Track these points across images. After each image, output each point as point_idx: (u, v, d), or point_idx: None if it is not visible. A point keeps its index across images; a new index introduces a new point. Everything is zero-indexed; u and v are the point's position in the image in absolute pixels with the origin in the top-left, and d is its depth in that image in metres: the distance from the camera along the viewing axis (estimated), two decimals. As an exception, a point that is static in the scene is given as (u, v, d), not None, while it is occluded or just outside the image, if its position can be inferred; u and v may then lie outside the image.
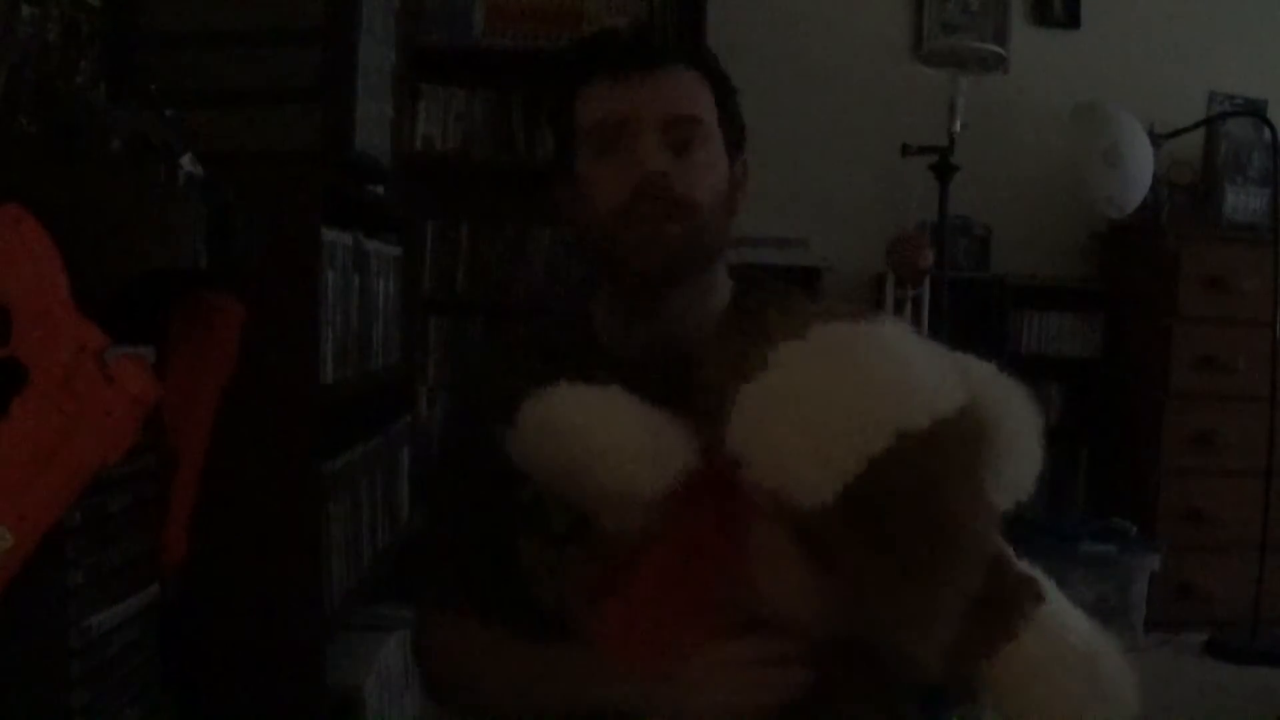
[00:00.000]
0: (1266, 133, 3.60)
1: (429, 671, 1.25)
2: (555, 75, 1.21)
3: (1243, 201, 3.73)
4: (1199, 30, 3.93)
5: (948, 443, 0.85)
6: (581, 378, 0.99)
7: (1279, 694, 3.02)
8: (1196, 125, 3.67)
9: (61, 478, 0.89)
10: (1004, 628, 0.90)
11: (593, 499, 0.95)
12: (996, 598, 0.89)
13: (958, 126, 3.22)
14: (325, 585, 1.52)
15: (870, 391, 0.86)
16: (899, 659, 0.87)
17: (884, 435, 0.84)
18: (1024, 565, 0.95)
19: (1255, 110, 3.80)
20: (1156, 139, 3.48)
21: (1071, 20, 3.95)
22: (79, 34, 1.17)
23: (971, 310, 3.54)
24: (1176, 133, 3.57)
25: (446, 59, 3.63)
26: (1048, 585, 0.94)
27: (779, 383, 0.88)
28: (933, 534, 0.84)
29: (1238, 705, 2.93)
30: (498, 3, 3.63)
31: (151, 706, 1.13)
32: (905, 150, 3.24)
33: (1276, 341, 3.45)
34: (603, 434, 0.92)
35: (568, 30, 3.63)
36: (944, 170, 3.24)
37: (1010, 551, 0.95)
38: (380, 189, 1.97)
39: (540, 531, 1.10)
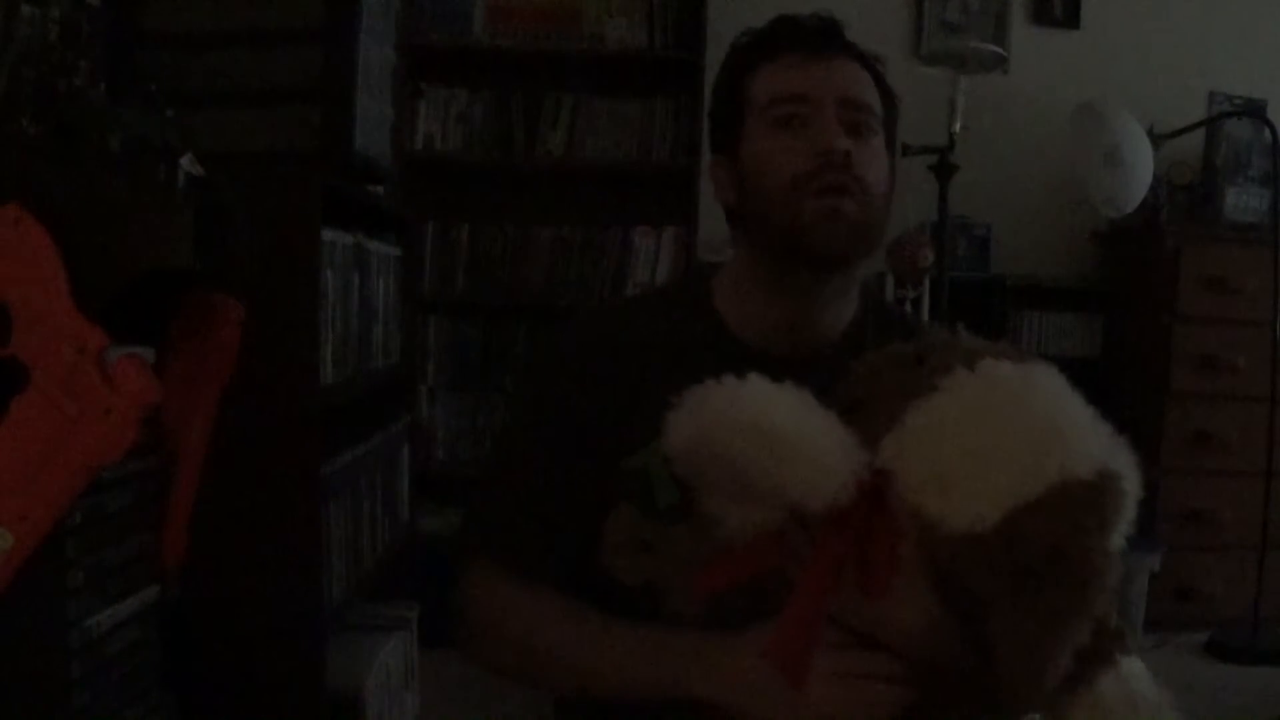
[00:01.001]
0: (1266, 133, 3.60)
1: (471, 623, 1.19)
2: (732, 50, 1.24)
3: (1243, 201, 3.73)
4: (1199, 30, 3.93)
5: (1099, 496, 0.87)
6: (707, 362, 0.98)
7: (1279, 694, 3.01)
8: (1196, 125, 3.66)
9: (61, 478, 0.89)
10: (1093, 671, 0.92)
11: (755, 497, 0.92)
12: (1093, 645, 0.91)
13: (958, 126, 3.22)
14: (325, 585, 1.52)
15: (1040, 433, 0.88)
16: (1006, 695, 0.88)
17: (1047, 478, 0.86)
18: (1117, 620, 0.97)
19: (1255, 110, 3.80)
20: (1156, 139, 3.48)
21: (1071, 20, 3.95)
22: (79, 34, 1.17)
23: (971, 310, 3.54)
24: (1176, 133, 3.57)
25: (446, 59, 3.63)
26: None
27: (949, 408, 0.90)
28: (1072, 583, 0.85)
29: (1238, 705, 2.93)
30: (498, 3, 3.63)
31: (151, 706, 1.13)
32: (905, 150, 3.24)
33: (1276, 341, 3.45)
34: (796, 444, 0.89)
35: (568, 30, 3.63)
36: (944, 170, 3.24)
37: (1112, 606, 0.96)
38: (380, 189, 1.97)
39: (640, 504, 1.05)
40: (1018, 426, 0.88)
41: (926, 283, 3.37)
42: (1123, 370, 3.78)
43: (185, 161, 1.09)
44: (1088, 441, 0.89)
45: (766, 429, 0.89)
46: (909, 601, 0.92)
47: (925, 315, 3.31)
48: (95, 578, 1.01)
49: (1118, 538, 0.90)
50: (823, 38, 1.18)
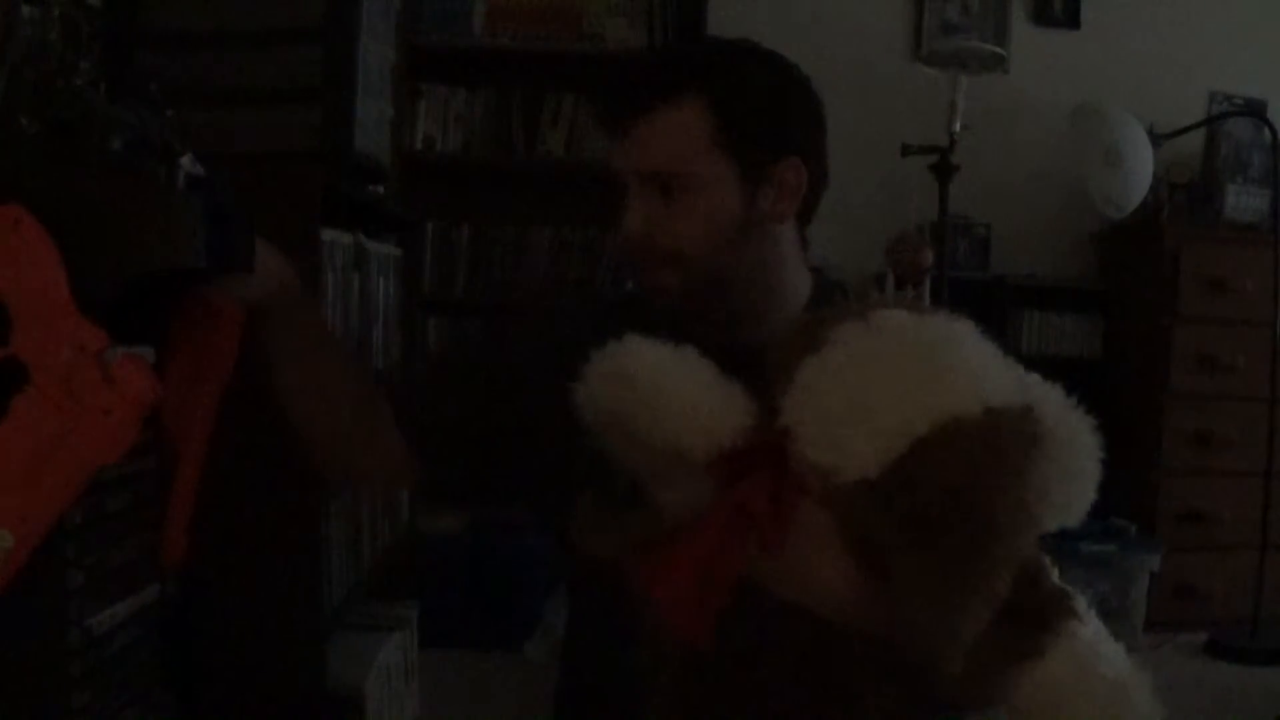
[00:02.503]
0: (1266, 133, 3.60)
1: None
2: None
3: (1243, 201, 3.73)
4: (1199, 30, 3.93)
5: (997, 437, 0.84)
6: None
7: (1279, 694, 3.02)
8: (1196, 125, 3.67)
9: (61, 478, 0.89)
10: (1032, 641, 0.87)
11: (645, 455, 0.93)
12: (1026, 608, 0.87)
13: (958, 126, 3.22)
14: (325, 585, 1.52)
15: (924, 372, 0.86)
16: (920, 654, 0.85)
17: (932, 416, 0.84)
18: (1059, 580, 0.93)
19: (1255, 110, 3.80)
20: (1156, 139, 3.48)
21: (1071, 20, 3.95)
22: (79, 34, 1.16)
23: (971, 310, 3.52)
24: (1176, 133, 3.57)
25: (446, 59, 3.63)
26: (1083, 607, 0.91)
27: (835, 357, 0.89)
28: (968, 524, 0.82)
29: (1238, 705, 2.93)
30: (498, 3, 3.63)
31: (151, 706, 1.13)
32: (905, 150, 3.24)
33: (1276, 341, 3.45)
34: (662, 387, 0.90)
35: (568, 30, 3.63)
36: (944, 170, 3.24)
37: (1047, 564, 0.93)
38: (380, 189, 1.97)
39: (599, 489, 1.05)
40: (900, 369, 0.87)
41: (927, 283, 3.37)
42: (1123, 370, 3.78)
43: (185, 161, 1.09)
44: (981, 382, 0.87)
45: (637, 380, 0.90)
46: (824, 564, 0.89)
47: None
48: (95, 578, 1.01)
49: (1039, 483, 0.84)
50: (628, 103, 1.17)
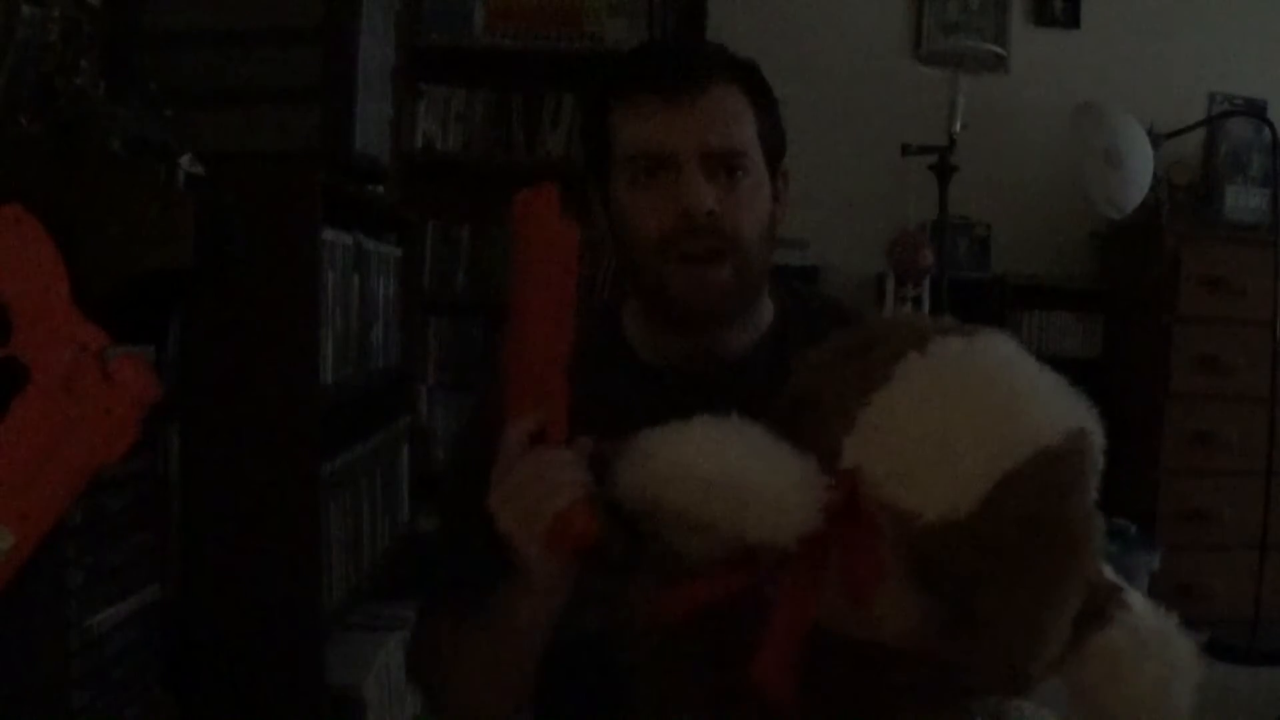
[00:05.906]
0: (1266, 133, 3.60)
1: (423, 680, 1.14)
2: (592, 85, 1.15)
3: (1243, 201, 3.73)
4: (1199, 30, 3.92)
5: (1074, 459, 0.85)
6: (614, 384, 0.95)
7: (1279, 694, 3.01)
8: (1196, 125, 3.66)
9: (61, 477, 0.89)
10: (1089, 633, 0.89)
11: (720, 543, 0.89)
12: (1084, 607, 0.88)
13: (958, 126, 3.22)
14: (325, 585, 1.52)
15: (1002, 408, 0.85)
16: (1004, 673, 0.86)
17: (1019, 452, 0.83)
18: (1108, 571, 0.95)
19: (1255, 110, 3.80)
20: (1156, 139, 3.48)
21: (1071, 20, 3.94)
22: (79, 34, 1.17)
23: (971, 310, 3.53)
24: (1176, 133, 3.57)
25: (446, 59, 3.63)
26: (1135, 597, 0.94)
27: (905, 397, 0.87)
28: (1059, 550, 0.83)
29: (1238, 705, 2.93)
30: (498, 3, 3.63)
31: (151, 706, 1.13)
32: (905, 150, 3.24)
33: (1276, 341, 3.45)
34: (751, 485, 0.86)
35: (568, 30, 3.63)
36: (944, 170, 3.24)
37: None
38: (380, 189, 1.97)
39: (588, 560, 0.97)
40: (979, 404, 0.86)
41: (926, 283, 3.37)
42: (1123, 370, 3.77)
43: (185, 161, 1.09)
44: (1051, 406, 0.87)
45: (718, 481, 0.85)
46: (898, 600, 0.90)
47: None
48: (95, 578, 1.01)
49: (1092, 493, 0.87)
50: (680, 72, 1.06)
